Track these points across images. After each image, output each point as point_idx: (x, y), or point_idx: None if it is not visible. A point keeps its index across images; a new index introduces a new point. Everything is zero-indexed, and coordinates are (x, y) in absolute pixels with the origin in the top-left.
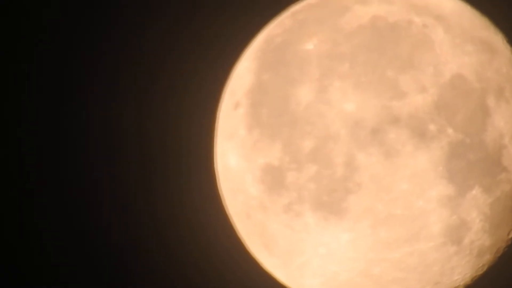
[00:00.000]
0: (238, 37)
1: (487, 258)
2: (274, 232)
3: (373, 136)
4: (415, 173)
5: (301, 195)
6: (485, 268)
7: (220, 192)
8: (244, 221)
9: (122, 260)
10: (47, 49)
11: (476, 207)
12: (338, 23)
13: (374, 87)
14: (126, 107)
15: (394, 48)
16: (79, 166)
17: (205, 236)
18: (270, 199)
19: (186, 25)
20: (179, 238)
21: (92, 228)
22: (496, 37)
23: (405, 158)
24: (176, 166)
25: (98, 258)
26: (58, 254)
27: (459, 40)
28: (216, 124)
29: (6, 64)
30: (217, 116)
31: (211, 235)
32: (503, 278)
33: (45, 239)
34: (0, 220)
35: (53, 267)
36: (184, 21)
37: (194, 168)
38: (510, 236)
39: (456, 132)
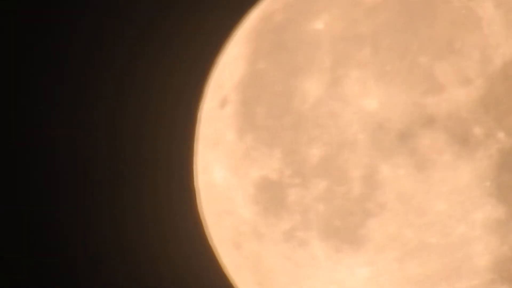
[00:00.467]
0: (225, 15)
1: None
2: (271, 267)
3: (401, 142)
4: (455, 190)
5: (307, 218)
6: None
7: (201, 216)
8: (232, 253)
9: None
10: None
11: None
12: None
13: (402, 79)
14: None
15: (428, 27)
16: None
17: (182, 271)
18: (266, 223)
19: None
20: (150, 273)
21: (51, 251)
22: None
23: (442, 170)
24: (145, 182)
25: None
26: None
27: None
28: (196, 128)
29: None
30: (198, 117)
31: (190, 271)
32: None
33: None
34: None
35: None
36: None
37: (168, 184)
38: None
39: (509, 137)
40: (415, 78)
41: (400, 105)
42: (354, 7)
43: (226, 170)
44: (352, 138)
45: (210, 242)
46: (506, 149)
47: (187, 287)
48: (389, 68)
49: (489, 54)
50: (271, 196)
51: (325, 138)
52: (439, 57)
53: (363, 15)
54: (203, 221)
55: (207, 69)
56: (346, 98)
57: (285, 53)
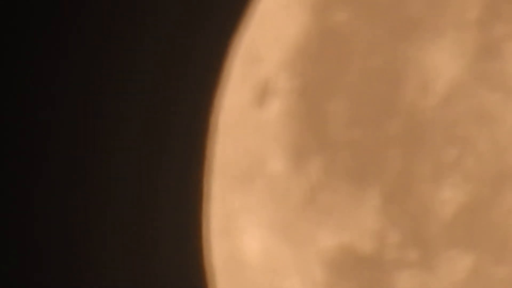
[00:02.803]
0: None
1: None
2: None
3: None
4: None
5: None
6: None
7: None
8: None
9: None
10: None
11: None
12: None
13: None
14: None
15: None
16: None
17: None
18: None
19: None
20: None
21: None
22: None
23: None
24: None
25: None
26: None
27: None
28: (209, 145)
29: None
30: (214, 122)
31: None
32: None
33: None
34: None
35: None
36: None
37: (167, 258)
38: None
39: None
40: None
41: None
42: None
43: (268, 233)
44: None
45: None
46: None
47: None
48: None
49: None
50: (360, 287)
51: (468, 167)
52: None
53: None
54: None
55: (230, 25)
56: (510, 84)
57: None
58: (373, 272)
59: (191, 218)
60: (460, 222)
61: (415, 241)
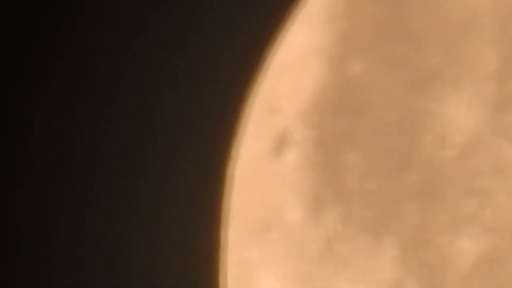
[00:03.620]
0: None
1: None
2: None
3: None
4: None
5: None
6: None
7: None
8: None
9: None
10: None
11: None
12: None
13: None
14: None
15: None
16: None
17: None
18: None
19: None
20: None
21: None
22: None
23: None
24: None
25: None
26: None
27: None
28: (225, 194)
29: None
30: (229, 172)
31: None
32: None
33: None
34: None
35: None
36: None
37: None
38: None
39: None
40: None
41: None
42: None
43: (286, 284)
44: None
45: None
46: None
47: None
48: None
49: None
50: None
51: (487, 218)
52: None
53: None
54: None
55: (248, 76)
56: None
57: (406, 44)
58: None
59: (208, 270)
60: (478, 273)
61: None
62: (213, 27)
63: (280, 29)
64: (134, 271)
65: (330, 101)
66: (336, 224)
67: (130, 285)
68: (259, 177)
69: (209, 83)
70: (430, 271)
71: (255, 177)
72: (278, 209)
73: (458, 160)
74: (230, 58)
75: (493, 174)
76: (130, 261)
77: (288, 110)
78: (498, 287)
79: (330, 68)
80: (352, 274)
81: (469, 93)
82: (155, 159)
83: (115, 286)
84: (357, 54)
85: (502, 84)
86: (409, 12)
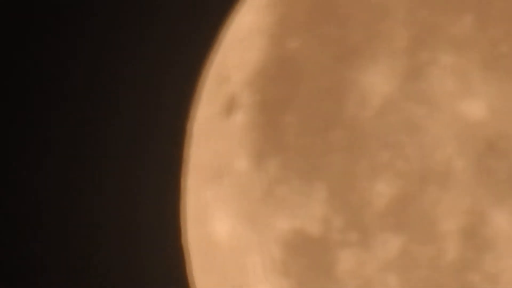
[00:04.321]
0: None
1: None
2: None
3: None
4: None
5: None
6: None
7: None
8: None
9: None
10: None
11: None
12: None
13: None
14: None
15: None
16: None
17: None
18: None
19: None
20: None
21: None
22: None
23: None
24: (113, 238)
25: None
26: None
27: None
28: (185, 148)
29: None
30: (188, 129)
31: None
32: None
33: None
34: None
35: None
36: None
37: (144, 243)
38: None
39: None
40: None
41: None
42: None
43: (235, 220)
44: (444, 166)
45: None
46: None
47: None
48: (504, 49)
49: None
50: (309, 263)
51: (399, 167)
52: None
53: None
54: None
55: (203, 50)
56: (433, 100)
57: (334, 24)
58: (320, 251)
59: (171, 209)
60: (392, 211)
61: (355, 226)
62: (177, 9)
63: (231, 11)
64: (105, 214)
65: (271, 71)
66: (276, 172)
67: (101, 232)
68: (212, 134)
69: (171, 55)
70: (353, 209)
71: (209, 134)
72: (228, 159)
73: (375, 119)
74: (189, 35)
75: (404, 130)
76: (100, 206)
77: (236, 78)
78: (408, 222)
79: (271, 44)
80: (289, 212)
81: (384, 64)
82: (129, 119)
83: (87, 232)
84: (294, 32)
85: (411, 58)
86: None
